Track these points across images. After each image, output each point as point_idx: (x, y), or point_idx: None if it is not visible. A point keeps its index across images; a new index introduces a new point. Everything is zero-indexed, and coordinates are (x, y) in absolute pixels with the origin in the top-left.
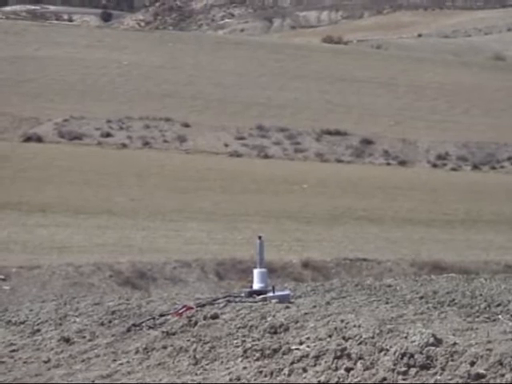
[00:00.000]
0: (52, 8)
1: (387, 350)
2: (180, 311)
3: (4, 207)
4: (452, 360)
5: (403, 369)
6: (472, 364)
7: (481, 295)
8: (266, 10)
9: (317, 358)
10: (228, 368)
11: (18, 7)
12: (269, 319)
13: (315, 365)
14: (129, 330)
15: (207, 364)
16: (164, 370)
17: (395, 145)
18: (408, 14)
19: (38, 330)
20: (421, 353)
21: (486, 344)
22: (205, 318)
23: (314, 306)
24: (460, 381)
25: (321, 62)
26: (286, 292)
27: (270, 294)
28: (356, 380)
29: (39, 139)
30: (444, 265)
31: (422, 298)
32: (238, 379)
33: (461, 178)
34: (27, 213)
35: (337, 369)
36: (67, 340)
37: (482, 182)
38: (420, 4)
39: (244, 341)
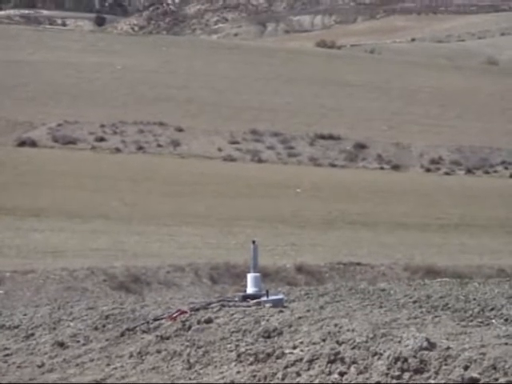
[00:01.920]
0: (45, 12)
1: (381, 355)
2: (174, 315)
3: None
4: (446, 364)
5: (397, 373)
6: (466, 368)
7: (474, 299)
8: (260, 15)
9: (310, 362)
10: (222, 372)
11: (11, 11)
12: (262, 323)
13: (309, 369)
14: (123, 335)
15: (201, 368)
16: (158, 374)
17: (389, 149)
18: (401, 19)
19: (32, 335)
20: (414, 357)
21: (479, 348)
22: (199, 322)
23: (308, 311)
24: None
25: (314, 66)
26: (280, 296)
27: (264, 299)
28: None
29: (33, 144)
30: (437, 269)
31: (415, 302)
32: (232, 383)
33: (454, 182)
34: (21, 217)
35: (330, 373)
36: (61, 344)
37: (476, 186)
38: (413, 8)
39: (238, 345)
